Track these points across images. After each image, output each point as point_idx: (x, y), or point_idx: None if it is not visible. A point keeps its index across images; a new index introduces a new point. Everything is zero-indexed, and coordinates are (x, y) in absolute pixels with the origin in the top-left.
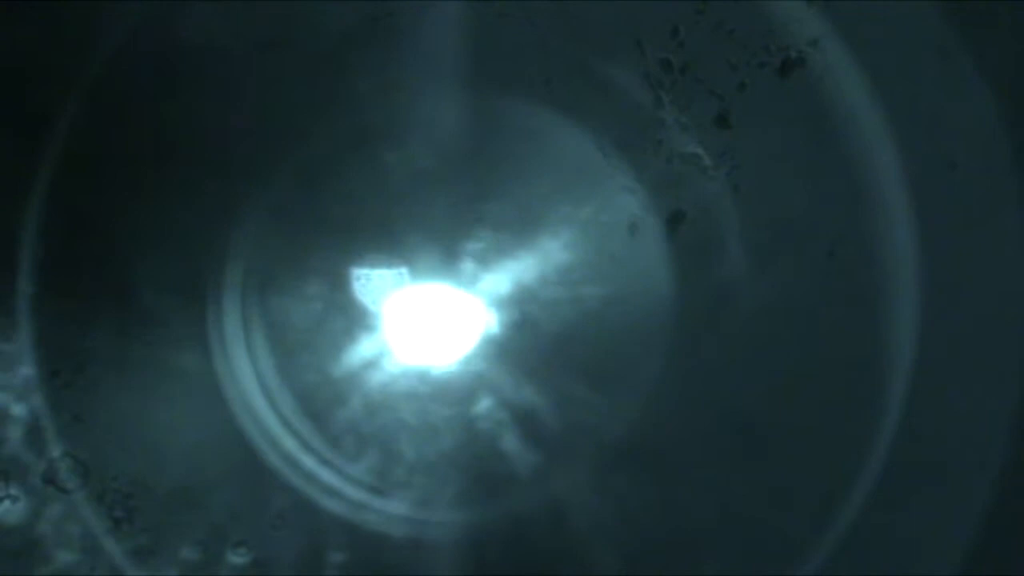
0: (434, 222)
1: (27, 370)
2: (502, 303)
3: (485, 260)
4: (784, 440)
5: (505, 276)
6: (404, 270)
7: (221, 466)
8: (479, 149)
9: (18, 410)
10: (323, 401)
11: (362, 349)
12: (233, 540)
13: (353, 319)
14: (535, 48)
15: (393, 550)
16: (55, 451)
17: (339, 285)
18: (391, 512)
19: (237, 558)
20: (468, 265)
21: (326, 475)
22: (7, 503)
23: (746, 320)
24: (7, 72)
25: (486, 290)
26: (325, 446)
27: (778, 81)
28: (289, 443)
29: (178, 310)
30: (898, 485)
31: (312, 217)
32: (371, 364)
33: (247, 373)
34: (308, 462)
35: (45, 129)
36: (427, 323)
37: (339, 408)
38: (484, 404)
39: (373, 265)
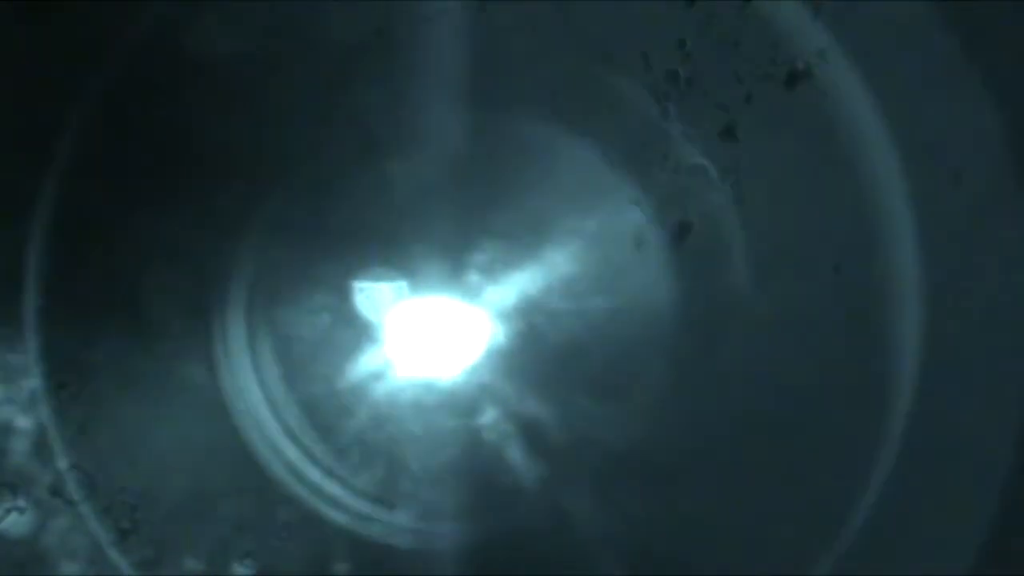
0: (439, 234)
1: (34, 382)
2: (507, 315)
3: (490, 272)
4: (788, 451)
5: (510, 288)
6: (409, 282)
7: (227, 478)
8: (484, 161)
9: (25, 422)
10: (328, 413)
11: (367, 361)
12: (239, 552)
13: (359, 331)
14: (541, 60)
15: (398, 561)
16: (61, 463)
17: (344, 297)
18: (396, 523)
19: (243, 569)
20: (473, 277)
21: (331, 487)
22: (14, 515)
23: (751, 332)
24: (12, 83)
25: (491, 302)
26: (330, 458)
27: (784, 93)
28: (294, 455)
29: (184, 322)
30: (902, 494)
31: (317, 229)
32: (376, 376)
33: (253, 385)
34: (313, 474)
35: (50, 141)
36: (432, 335)
37: (344, 420)
38: (489, 416)
39: (378, 277)
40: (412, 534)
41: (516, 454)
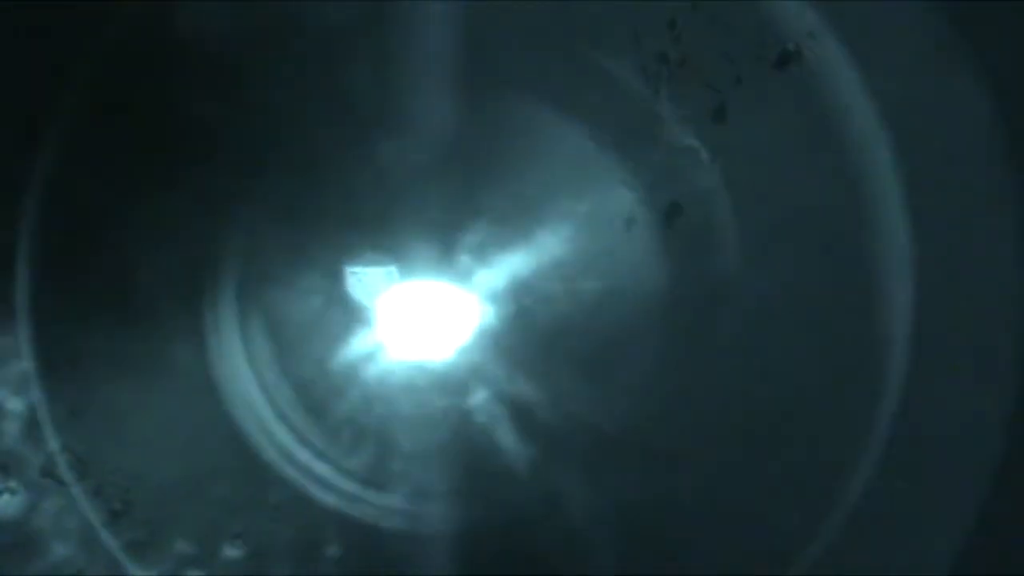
0: (430, 216)
1: (25, 364)
2: (498, 296)
3: (481, 254)
4: (780, 435)
5: (501, 270)
6: (400, 264)
7: (218, 459)
8: (475, 143)
9: (16, 404)
10: (319, 394)
11: (358, 343)
12: (230, 533)
13: (349, 313)
14: (531, 42)
15: (389, 542)
16: (53, 445)
17: (335, 280)
18: (387, 505)
19: (234, 551)
20: (464, 259)
21: (322, 468)
22: (6, 496)
23: (742, 314)
24: (4, 69)
25: (482, 284)
26: (321, 439)
27: (775, 75)
28: (285, 436)
29: (175, 305)
30: (895, 482)
31: (308, 212)
32: (367, 358)
33: (243, 367)
34: (304, 455)
35: (42, 126)
36: (423, 316)
37: (335, 401)
38: (480, 397)
39: (369, 259)
40: (403, 515)
41: (507, 435)
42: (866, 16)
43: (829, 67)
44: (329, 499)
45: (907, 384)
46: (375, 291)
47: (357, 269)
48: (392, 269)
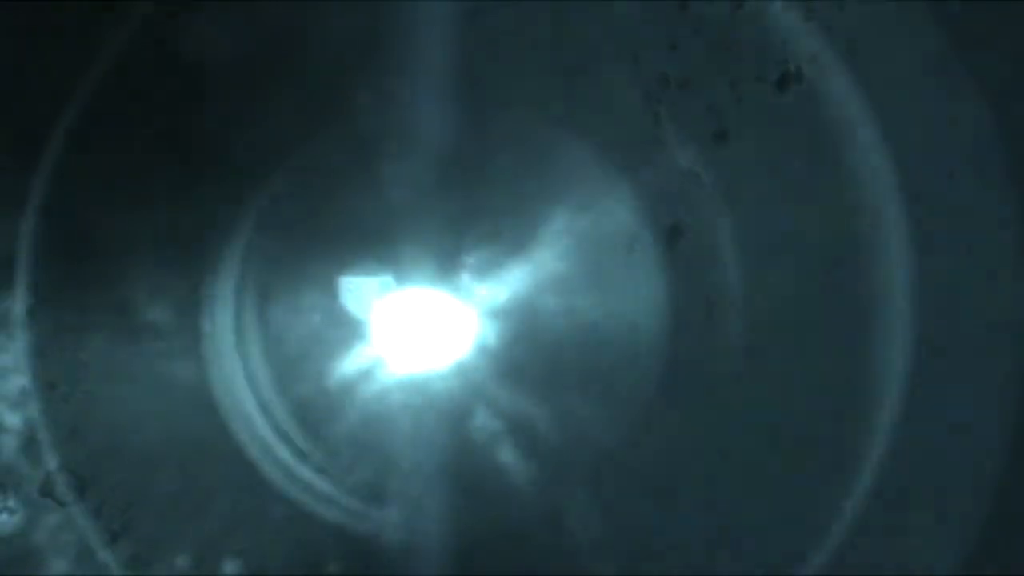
0: (430, 232)
1: (24, 382)
2: (498, 314)
3: (481, 271)
4: (780, 451)
5: (501, 287)
6: (399, 280)
7: (217, 477)
8: (475, 161)
9: (15, 422)
10: (318, 411)
11: (357, 359)
12: (230, 550)
13: (349, 330)
14: (533, 62)
15: (388, 560)
16: (52, 463)
17: (335, 296)
18: (386, 522)
19: (233, 568)
20: (464, 276)
21: (322, 485)
22: (4, 515)
23: (742, 334)
24: (2, 81)
25: (482, 300)
26: (320, 456)
27: (776, 96)
28: (284, 453)
29: (174, 321)
30: (895, 494)
31: (308, 228)
32: (366, 374)
33: (242, 384)
34: (304, 472)
35: (42, 138)
36: (423, 334)
37: (334, 418)
38: (479, 414)
39: (369, 276)
40: (402, 531)
41: (506, 453)
42: (867, 37)
43: (830, 88)
44: (329, 515)
45: (909, 399)
46: (374, 307)
47: (356, 285)
48: (392, 285)
